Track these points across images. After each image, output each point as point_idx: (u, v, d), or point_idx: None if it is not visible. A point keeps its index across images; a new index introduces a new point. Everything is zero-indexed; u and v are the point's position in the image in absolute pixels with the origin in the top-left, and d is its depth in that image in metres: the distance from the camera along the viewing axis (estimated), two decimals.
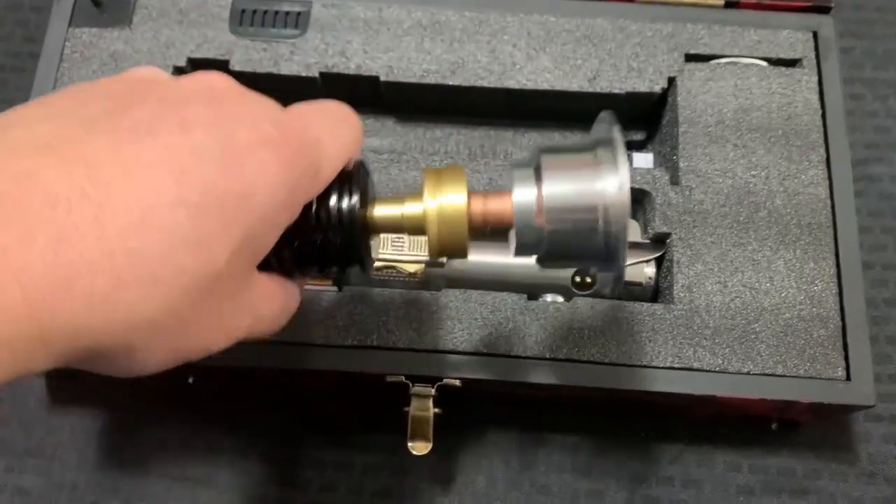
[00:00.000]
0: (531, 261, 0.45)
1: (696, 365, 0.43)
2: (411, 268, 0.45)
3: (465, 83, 0.49)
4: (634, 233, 0.48)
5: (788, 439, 0.51)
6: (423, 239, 0.44)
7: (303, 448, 0.51)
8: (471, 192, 0.29)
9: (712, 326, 0.44)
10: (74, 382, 0.52)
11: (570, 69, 0.49)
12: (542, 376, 0.43)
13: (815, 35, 0.50)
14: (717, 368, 0.43)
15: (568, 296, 0.46)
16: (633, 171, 0.47)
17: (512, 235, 0.30)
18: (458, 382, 0.44)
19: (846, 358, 0.44)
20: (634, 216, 0.49)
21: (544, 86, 0.49)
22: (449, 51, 0.50)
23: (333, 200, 0.29)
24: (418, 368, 0.44)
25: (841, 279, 0.45)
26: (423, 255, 0.45)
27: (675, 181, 0.47)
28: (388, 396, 0.45)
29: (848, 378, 0.43)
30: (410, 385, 0.44)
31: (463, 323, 0.44)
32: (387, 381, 0.44)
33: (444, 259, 0.45)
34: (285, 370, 0.44)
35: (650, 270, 0.46)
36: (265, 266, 0.27)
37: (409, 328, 0.44)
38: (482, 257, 0.46)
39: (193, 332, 0.24)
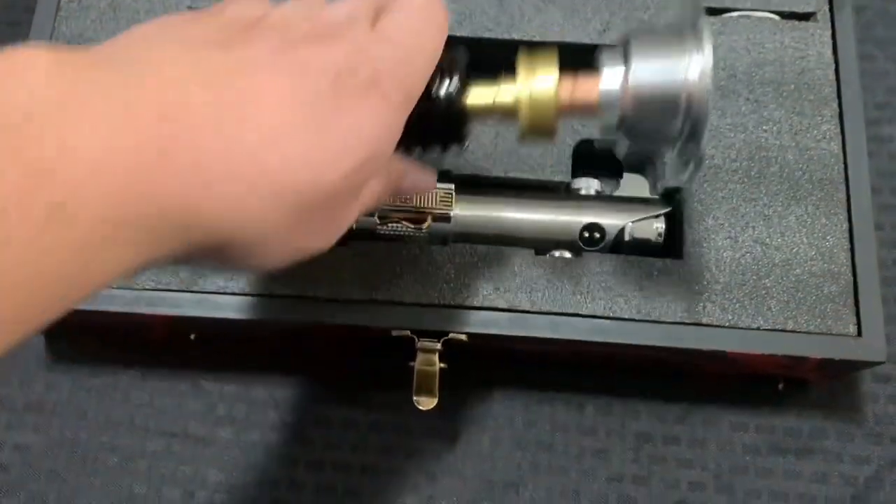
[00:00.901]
0: (540, 215, 0.45)
1: (705, 320, 0.43)
2: (417, 222, 0.44)
3: (473, 34, 0.48)
4: (643, 188, 0.47)
5: (795, 399, 0.51)
6: (430, 192, 0.44)
7: (307, 405, 0.51)
8: (561, 76, 0.31)
9: (722, 282, 0.44)
10: (73, 339, 0.52)
11: (581, 22, 0.48)
12: (549, 331, 0.43)
13: None
14: (728, 324, 0.43)
15: (576, 251, 0.45)
16: None
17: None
18: (464, 337, 0.43)
19: (857, 314, 0.43)
20: (643, 172, 0.48)
21: (554, 38, 0.48)
22: (455, 1, 0.48)
23: (434, 88, 0.31)
24: (424, 322, 0.43)
25: (853, 235, 0.44)
26: (430, 208, 0.44)
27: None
28: (393, 351, 0.45)
29: (859, 334, 0.43)
30: (416, 339, 0.43)
31: (470, 277, 0.44)
32: (392, 336, 0.43)
33: (451, 213, 0.44)
34: (289, 324, 0.44)
35: (659, 226, 0.45)
36: None
37: (415, 282, 0.43)
38: (490, 212, 0.45)
39: (306, 236, 0.27)
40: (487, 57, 0.49)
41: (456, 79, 0.31)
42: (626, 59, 0.31)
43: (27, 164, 0.19)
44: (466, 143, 0.34)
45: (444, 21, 0.30)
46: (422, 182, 0.36)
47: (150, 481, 0.49)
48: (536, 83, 0.31)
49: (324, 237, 0.29)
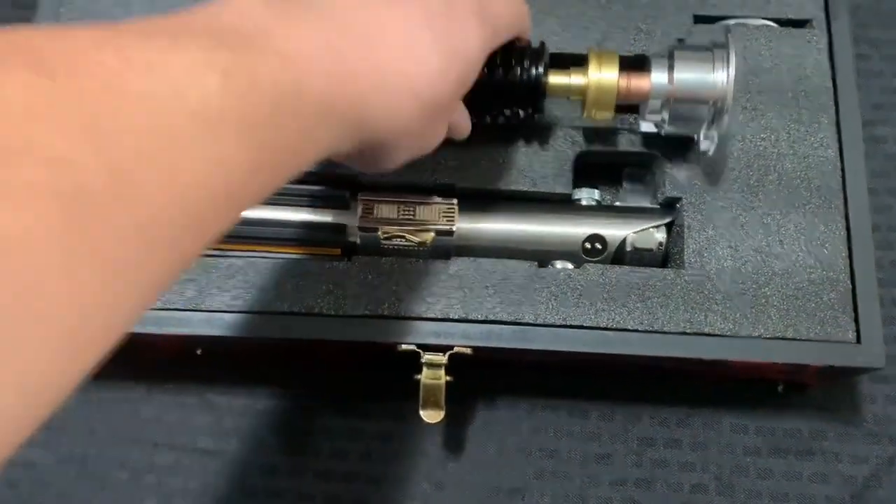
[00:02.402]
0: (542, 227, 0.45)
1: (707, 330, 0.44)
2: (421, 236, 0.44)
3: None
4: (643, 198, 0.48)
5: (794, 401, 0.52)
6: (433, 207, 0.44)
7: (313, 416, 0.51)
8: (620, 72, 0.42)
9: (723, 291, 0.44)
10: None
11: (578, 32, 0.48)
12: (553, 343, 0.43)
13: None
14: (729, 333, 0.44)
15: (578, 262, 0.45)
16: (642, 137, 0.47)
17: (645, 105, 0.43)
18: (469, 350, 0.43)
19: (856, 320, 0.44)
20: (643, 181, 0.49)
21: (551, 49, 0.48)
22: None
23: (525, 68, 0.41)
24: (429, 337, 0.43)
25: (851, 242, 0.45)
26: (433, 223, 0.44)
27: (685, 145, 0.47)
28: (399, 365, 0.45)
29: (858, 341, 0.44)
30: (422, 354, 0.44)
31: (474, 291, 0.44)
32: (398, 350, 0.44)
33: (453, 227, 0.45)
34: (295, 341, 0.44)
35: (661, 236, 0.46)
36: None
37: (419, 297, 0.44)
38: (492, 225, 0.46)
39: (423, 138, 0.35)
40: None
41: (543, 63, 0.41)
42: (670, 63, 0.42)
43: (277, 52, 0.26)
44: (541, 113, 0.44)
45: (525, 7, 0.39)
46: (464, 123, 0.41)
47: (160, 496, 0.50)
48: (604, 72, 0.42)
49: (434, 138, 0.36)
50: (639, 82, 0.42)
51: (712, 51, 0.42)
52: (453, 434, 0.51)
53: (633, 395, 0.52)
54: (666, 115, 0.43)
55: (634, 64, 0.43)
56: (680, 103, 0.42)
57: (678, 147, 0.47)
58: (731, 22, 0.49)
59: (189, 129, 0.22)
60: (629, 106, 0.46)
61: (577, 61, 0.43)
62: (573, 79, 0.42)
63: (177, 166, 0.22)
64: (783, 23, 0.49)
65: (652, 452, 0.51)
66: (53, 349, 0.19)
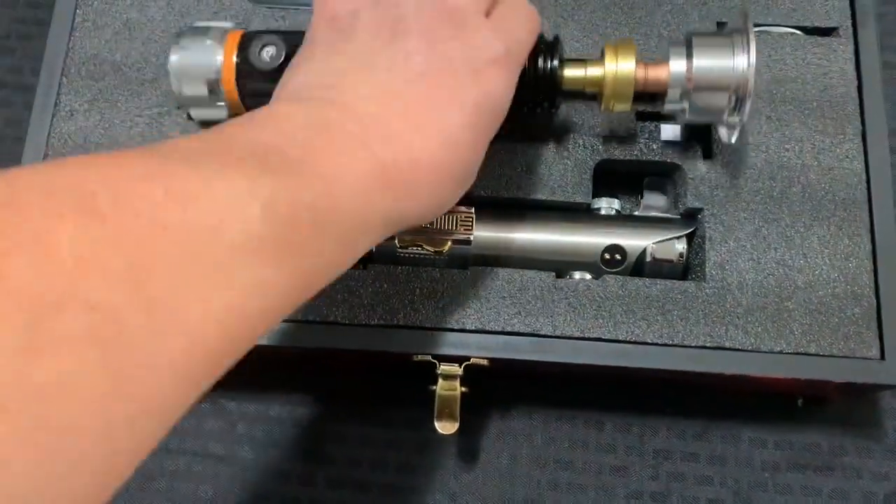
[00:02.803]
0: (560, 237, 0.45)
1: (728, 344, 0.43)
2: (438, 245, 0.44)
3: None
4: (664, 207, 0.47)
5: (814, 415, 0.51)
6: (450, 216, 0.44)
7: (326, 423, 0.51)
8: (637, 62, 0.41)
9: (745, 305, 0.43)
10: None
11: (599, 38, 0.48)
12: (571, 356, 0.43)
13: (851, 2, 0.49)
14: (750, 347, 0.43)
15: (597, 273, 0.45)
16: (663, 145, 0.46)
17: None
18: (485, 362, 0.43)
19: (881, 337, 0.43)
20: (664, 190, 0.48)
21: (572, 55, 0.47)
22: None
23: (540, 61, 0.41)
24: (445, 348, 0.43)
25: (876, 256, 0.44)
26: (450, 232, 0.44)
27: (707, 155, 0.46)
28: (414, 375, 0.45)
29: (882, 357, 0.43)
30: (437, 364, 0.43)
31: (490, 301, 0.43)
32: (413, 360, 0.43)
33: (471, 236, 0.44)
34: (309, 349, 0.44)
35: (681, 247, 0.45)
36: None
37: (435, 307, 0.43)
38: (510, 234, 0.45)
39: (455, 200, 0.35)
40: None
41: (557, 57, 0.41)
42: (688, 50, 0.41)
43: (319, 176, 0.27)
44: (557, 107, 0.43)
45: (537, 16, 0.37)
46: None
47: (170, 502, 0.49)
48: (621, 62, 0.41)
49: (457, 197, 0.35)
50: (657, 71, 0.41)
51: (731, 36, 0.40)
52: (467, 444, 0.50)
53: (650, 406, 0.51)
54: (686, 105, 0.41)
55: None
56: (700, 91, 0.41)
57: (700, 156, 0.46)
58: (755, 30, 0.48)
59: (228, 258, 0.23)
60: (650, 113, 0.46)
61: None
62: (590, 70, 0.42)
63: (215, 295, 0.23)
64: (808, 31, 0.48)
65: (668, 465, 0.50)
66: (79, 486, 0.20)
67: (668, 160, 0.46)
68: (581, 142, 0.46)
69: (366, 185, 0.28)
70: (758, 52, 0.46)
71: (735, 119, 0.41)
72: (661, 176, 0.47)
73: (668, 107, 0.42)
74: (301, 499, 0.49)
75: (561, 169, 0.46)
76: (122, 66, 0.47)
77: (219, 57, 0.41)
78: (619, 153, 0.46)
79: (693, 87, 0.40)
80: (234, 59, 0.41)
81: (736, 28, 0.41)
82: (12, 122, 0.57)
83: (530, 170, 0.46)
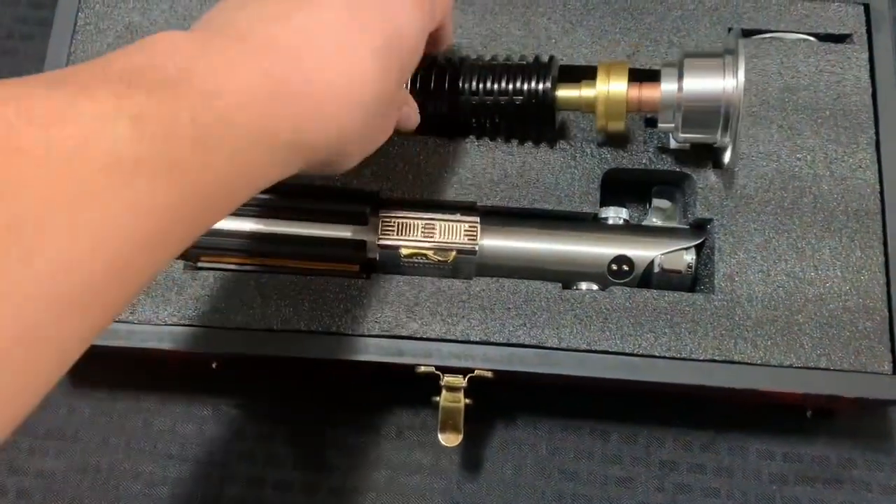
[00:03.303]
0: (567, 247, 0.44)
1: (737, 358, 0.42)
2: (442, 255, 0.43)
3: (499, 58, 0.46)
4: (672, 218, 0.46)
5: (823, 427, 0.50)
6: (455, 225, 0.43)
7: (329, 432, 0.50)
8: (630, 83, 0.42)
9: (754, 317, 0.43)
10: (94, 365, 0.51)
11: (608, 44, 0.47)
12: (577, 368, 0.42)
13: (866, 8, 0.48)
14: (759, 361, 0.42)
15: (604, 284, 0.44)
16: (670, 154, 0.45)
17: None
18: (490, 374, 0.42)
19: (893, 351, 0.42)
20: (673, 200, 0.47)
21: (581, 61, 0.47)
22: (480, 23, 0.47)
23: (533, 84, 0.42)
24: (449, 359, 0.42)
25: (889, 268, 0.43)
26: (455, 242, 0.43)
27: (717, 164, 0.45)
28: (417, 385, 0.44)
29: (894, 372, 0.42)
30: (441, 376, 0.43)
31: (495, 312, 0.43)
32: (417, 372, 0.43)
33: (476, 246, 0.43)
34: (312, 361, 0.43)
35: (690, 258, 0.44)
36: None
37: (439, 317, 0.43)
38: (516, 244, 0.44)
39: (372, 137, 0.34)
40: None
41: (550, 78, 0.42)
42: (680, 71, 0.42)
43: (198, 90, 0.25)
44: (555, 129, 0.44)
45: None
46: (413, 114, 0.40)
47: None
48: (613, 83, 0.42)
49: (382, 135, 0.35)
50: (649, 92, 0.42)
51: (723, 57, 0.41)
52: (470, 454, 0.50)
53: (657, 417, 0.50)
54: (679, 124, 0.42)
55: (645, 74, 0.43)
56: (690, 111, 0.41)
57: (710, 165, 0.45)
58: (768, 36, 0.47)
59: (98, 179, 0.22)
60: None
61: (590, 73, 0.43)
62: (583, 91, 0.43)
63: (85, 218, 0.22)
64: (822, 37, 0.48)
65: (675, 477, 0.50)
66: None
67: (677, 169, 0.45)
68: (588, 150, 0.45)
69: (255, 98, 0.27)
70: (769, 58, 0.46)
71: (727, 139, 0.42)
72: (669, 185, 0.47)
73: (662, 126, 0.43)
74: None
75: (568, 178, 0.45)
76: None
77: None
78: (627, 162, 0.45)
79: (684, 106, 0.41)
80: None
81: (729, 48, 0.42)
82: None
83: (536, 179, 0.45)
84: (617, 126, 0.43)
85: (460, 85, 0.43)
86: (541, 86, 0.42)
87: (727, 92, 0.40)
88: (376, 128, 0.34)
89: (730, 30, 0.47)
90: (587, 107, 0.43)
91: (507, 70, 0.43)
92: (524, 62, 0.44)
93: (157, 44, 0.26)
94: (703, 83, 0.41)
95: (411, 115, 0.40)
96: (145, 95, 0.24)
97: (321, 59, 0.30)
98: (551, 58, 0.43)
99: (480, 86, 0.43)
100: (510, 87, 0.43)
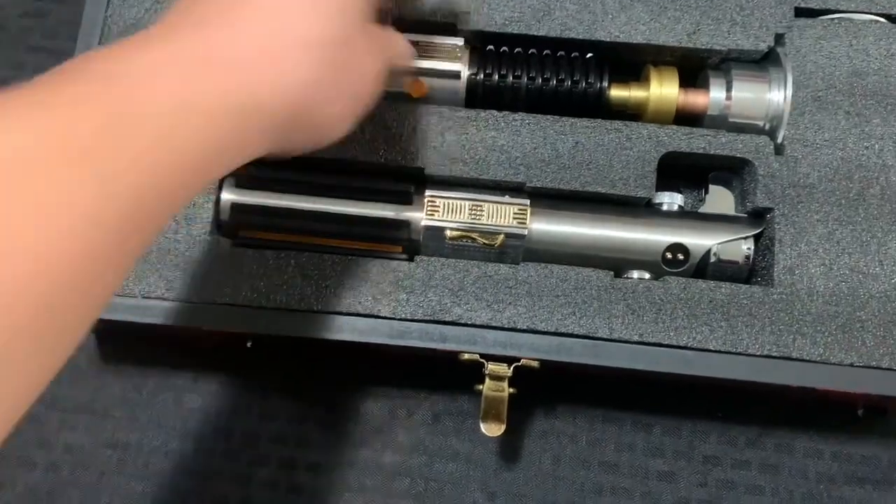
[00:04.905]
0: (620, 233, 0.42)
1: (795, 354, 0.40)
2: (490, 238, 0.42)
3: (552, 33, 0.44)
4: (729, 205, 0.44)
5: (875, 426, 0.48)
6: (504, 207, 0.41)
7: (367, 417, 0.49)
8: (680, 88, 0.44)
9: (814, 313, 0.41)
10: (125, 341, 0.50)
11: (668, 21, 0.45)
12: (628, 361, 0.41)
13: None
14: (818, 358, 0.40)
15: (658, 273, 0.42)
16: (734, 138, 0.43)
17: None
18: (536, 364, 0.41)
19: None
20: (729, 186, 0.45)
21: (638, 39, 0.44)
22: None
23: (588, 79, 0.44)
24: (494, 347, 0.41)
25: None
26: (503, 225, 0.42)
27: (779, 151, 0.43)
28: (456, 371, 0.43)
29: None
30: (485, 364, 0.41)
31: (543, 300, 0.41)
32: (460, 360, 0.41)
33: (525, 230, 0.42)
34: (351, 343, 0.42)
35: (748, 248, 0.42)
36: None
37: (485, 303, 0.41)
38: (566, 228, 0.43)
39: (348, 87, 0.31)
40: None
41: (606, 77, 0.44)
42: (727, 79, 0.44)
43: (99, 73, 0.25)
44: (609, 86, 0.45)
45: None
46: (400, 48, 0.37)
47: (205, 484, 0.48)
48: (665, 87, 0.44)
49: (363, 82, 0.32)
50: (696, 98, 0.44)
51: (768, 70, 0.44)
52: (509, 442, 0.48)
53: (701, 410, 0.49)
54: (723, 130, 0.44)
55: (688, 79, 0.45)
56: (736, 120, 0.44)
57: (772, 151, 0.43)
58: (836, 17, 0.45)
59: (56, 171, 0.22)
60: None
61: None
62: (633, 92, 0.44)
63: (52, 210, 0.22)
64: (894, 19, 0.45)
65: (718, 472, 0.48)
66: None
67: (737, 154, 0.43)
68: (644, 132, 0.43)
69: (172, 69, 0.26)
70: (837, 40, 0.44)
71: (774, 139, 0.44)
72: (727, 171, 0.45)
73: (707, 124, 0.44)
74: (341, 488, 0.48)
75: (622, 161, 0.43)
76: None
77: None
78: (684, 145, 0.43)
79: (729, 115, 0.44)
80: None
81: (775, 60, 0.44)
82: None
83: (589, 160, 0.43)
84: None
85: (514, 72, 0.44)
86: (597, 84, 0.44)
87: (773, 104, 0.43)
88: (349, 72, 0.31)
89: (796, 11, 0.45)
90: (635, 107, 0.44)
91: (564, 63, 0.44)
92: (578, 56, 0.45)
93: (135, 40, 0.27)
94: (751, 95, 0.44)
95: (402, 52, 0.37)
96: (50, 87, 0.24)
97: (251, 10, 0.28)
98: (602, 57, 0.45)
99: (535, 76, 0.44)
100: (566, 82, 0.44)
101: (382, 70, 0.33)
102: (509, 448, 0.48)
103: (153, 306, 0.42)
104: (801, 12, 0.45)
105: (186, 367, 0.50)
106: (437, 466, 0.48)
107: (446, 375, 0.46)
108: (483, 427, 0.41)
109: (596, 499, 0.48)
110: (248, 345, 0.47)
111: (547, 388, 0.48)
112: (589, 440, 0.49)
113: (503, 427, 0.41)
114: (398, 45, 0.36)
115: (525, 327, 0.41)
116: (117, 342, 0.50)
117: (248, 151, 0.28)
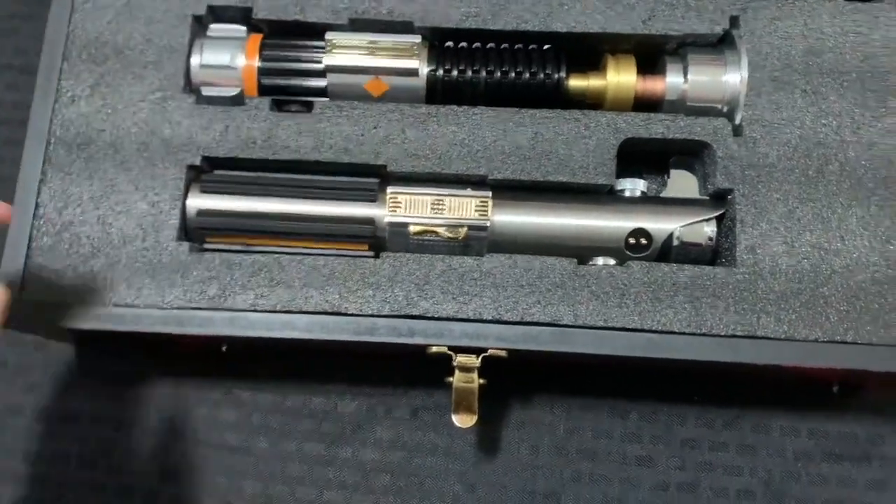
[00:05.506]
0: (582, 220, 0.42)
1: (759, 333, 0.41)
2: (453, 232, 0.42)
3: (508, 27, 0.45)
4: (691, 188, 0.45)
5: (850, 403, 0.49)
6: (466, 201, 0.42)
7: (344, 415, 0.49)
8: (637, 75, 0.44)
9: (777, 291, 0.41)
10: (105, 349, 0.50)
11: (623, 9, 0.45)
12: (593, 346, 0.41)
13: None
14: (783, 336, 0.41)
15: (621, 259, 0.42)
16: (692, 122, 0.44)
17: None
18: (504, 353, 0.41)
19: None
20: (692, 170, 0.45)
21: (594, 28, 0.45)
22: None
23: (546, 73, 0.44)
24: (461, 339, 0.41)
25: None
26: (465, 218, 0.42)
27: (737, 132, 0.44)
28: (431, 367, 0.43)
29: None
30: (453, 356, 0.41)
31: (508, 290, 0.42)
32: (428, 353, 0.42)
33: (487, 222, 0.42)
34: (321, 342, 0.42)
35: (710, 230, 0.43)
36: None
37: (451, 296, 0.42)
38: (529, 218, 0.43)
39: None
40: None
41: (563, 67, 0.44)
42: (684, 65, 0.44)
43: None
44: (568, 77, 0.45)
45: None
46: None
47: (186, 491, 0.48)
48: (622, 75, 0.44)
49: None
50: (654, 85, 0.44)
51: (724, 52, 0.44)
52: (486, 435, 0.49)
53: (678, 394, 0.49)
54: (682, 114, 0.44)
55: (647, 65, 0.46)
56: (694, 104, 0.44)
57: (730, 132, 0.43)
58: None
59: None
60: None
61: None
62: (591, 82, 0.45)
63: None
64: None
65: (696, 455, 0.48)
66: None
67: (696, 138, 0.43)
68: (603, 120, 0.44)
69: None
70: (792, 20, 0.44)
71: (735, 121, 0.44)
72: (688, 155, 0.45)
73: (666, 109, 0.45)
74: (319, 488, 0.48)
75: (582, 149, 0.43)
76: (125, 49, 0.45)
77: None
78: (642, 131, 0.44)
79: (687, 99, 0.44)
80: None
81: (731, 43, 0.44)
82: (19, 105, 0.55)
83: (549, 150, 0.43)
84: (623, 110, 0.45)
85: (473, 66, 0.44)
86: (555, 74, 0.44)
87: (730, 86, 0.43)
88: None
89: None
90: (593, 97, 0.45)
91: (521, 56, 0.44)
92: (536, 48, 0.45)
93: None
94: (707, 78, 0.44)
95: None
96: None
97: None
98: (560, 48, 0.45)
99: (493, 70, 0.44)
100: (524, 74, 0.44)
101: None
102: (487, 440, 0.49)
103: (123, 314, 0.42)
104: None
105: (164, 372, 0.50)
106: (417, 461, 0.49)
107: (423, 371, 0.46)
108: (455, 418, 0.41)
109: (575, 486, 0.48)
110: (224, 349, 0.47)
111: (523, 379, 0.49)
112: (566, 428, 0.49)
113: (475, 418, 0.41)
114: None
115: (491, 318, 0.41)
116: (95, 350, 0.51)
117: None
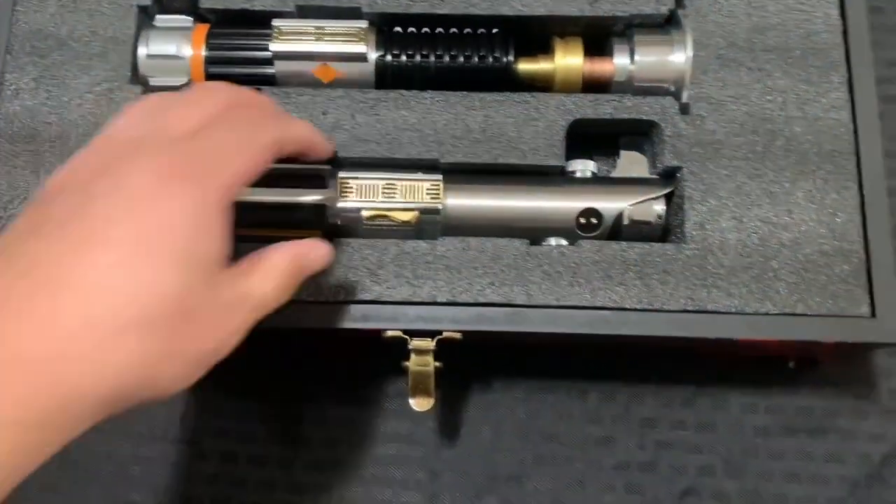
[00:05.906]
0: (533, 202, 0.43)
1: (710, 307, 0.41)
2: (405, 216, 0.42)
3: (456, 11, 0.45)
4: (641, 168, 0.45)
5: (806, 377, 0.49)
6: (417, 184, 0.42)
7: (302, 404, 0.49)
8: (585, 57, 0.45)
9: (727, 265, 0.42)
10: None
11: None
12: (547, 325, 0.41)
13: None
14: (734, 310, 0.41)
15: (573, 239, 0.43)
16: (640, 101, 0.44)
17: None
18: (458, 335, 0.41)
19: (871, 293, 0.41)
20: (641, 149, 0.46)
21: (541, 11, 0.45)
22: None
23: (495, 56, 0.44)
24: (416, 322, 0.41)
25: (865, 210, 0.42)
26: (417, 202, 0.42)
27: (684, 110, 0.44)
28: (386, 351, 0.43)
29: (873, 315, 0.41)
30: (409, 339, 0.41)
31: (462, 272, 0.42)
32: (383, 337, 0.41)
33: (439, 205, 0.42)
34: (274, 329, 0.42)
35: (659, 208, 0.43)
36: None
37: (404, 280, 0.42)
38: (480, 201, 0.43)
39: (190, 349, 0.29)
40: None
41: (511, 51, 0.44)
42: (630, 45, 0.45)
43: None
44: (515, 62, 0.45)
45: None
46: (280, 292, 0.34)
47: (145, 488, 0.48)
48: (569, 57, 0.45)
49: (205, 343, 0.30)
50: (602, 66, 0.45)
51: (671, 32, 0.45)
52: (447, 419, 0.49)
53: (636, 374, 0.49)
54: (630, 94, 0.44)
55: (597, 47, 0.46)
56: (642, 84, 0.44)
57: (678, 111, 0.44)
58: None
59: None
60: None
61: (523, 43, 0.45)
62: (540, 65, 0.45)
63: None
64: None
65: (656, 434, 0.49)
66: None
67: (644, 117, 0.44)
68: (552, 102, 0.44)
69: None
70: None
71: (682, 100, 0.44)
72: (637, 134, 0.45)
73: (615, 89, 0.45)
74: (279, 482, 0.48)
75: (532, 131, 0.44)
76: (69, 41, 0.45)
77: None
78: (591, 112, 0.44)
79: (635, 80, 0.44)
80: None
81: (677, 23, 0.45)
82: None
83: (500, 133, 0.44)
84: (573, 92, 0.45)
85: (421, 51, 0.44)
86: (504, 58, 0.44)
87: (677, 66, 0.44)
88: (186, 340, 0.28)
89: None
90: (542, 80, 0.45)
91: (469, 40, 0.44)
92: (485, 32, 0.45)
93: None
94: (654, 58, 0.44)
95: (277, 285, 0.33)
96: None
97: (67, 294, 0.26)
98: (508, 31, 0.45)
99: (442, 54, 0.44)
100: (473, 58, 0.44)
101: (242, 321, 0.31)
102: (449, 426, 0.49)
103: None
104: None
105: None
106: (379, 450, 0.49)
107: (379, 360, 0.46)
108: (412, 402, 0.41)
109: (538, 469, 0.48)
110: None
111: (482, 363, 0.49)
112: (527, 411, 0.49)
113: (432, 401, 0.41)
114: (266, 283, 0.33)
115: (445, 300, 0.41)
116: None
117: (53, 448, 0.27)
